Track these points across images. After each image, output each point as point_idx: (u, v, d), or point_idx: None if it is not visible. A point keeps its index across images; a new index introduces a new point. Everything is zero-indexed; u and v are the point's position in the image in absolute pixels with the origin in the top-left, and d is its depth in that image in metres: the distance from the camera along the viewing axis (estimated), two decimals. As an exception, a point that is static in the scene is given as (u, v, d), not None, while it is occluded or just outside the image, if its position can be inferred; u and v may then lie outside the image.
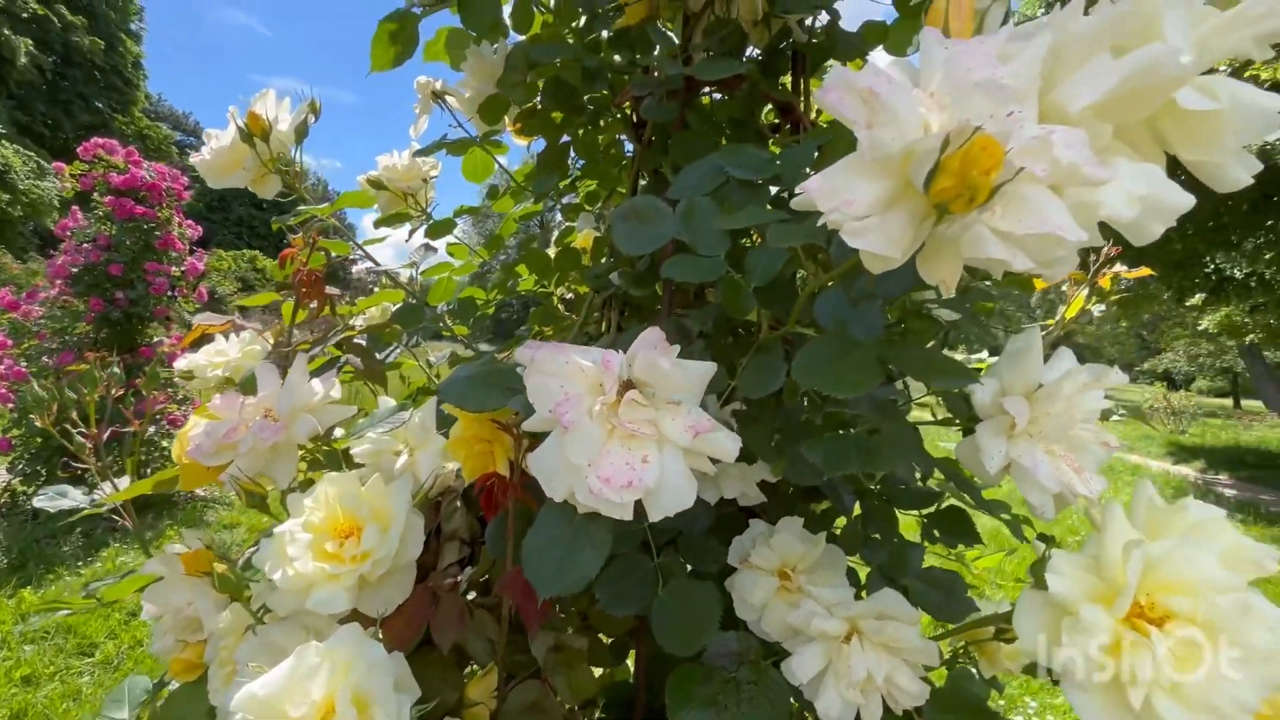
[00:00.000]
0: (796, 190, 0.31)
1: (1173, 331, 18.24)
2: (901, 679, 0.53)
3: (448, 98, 1.03)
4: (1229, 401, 19.94)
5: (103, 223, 4.35)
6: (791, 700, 0.57)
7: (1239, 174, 0.36)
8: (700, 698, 0.55)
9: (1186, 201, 0.32)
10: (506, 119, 0.98)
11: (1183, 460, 8.25)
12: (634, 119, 0.88)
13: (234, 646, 0.55)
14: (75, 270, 4.17)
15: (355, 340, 0.83)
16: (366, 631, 0.49)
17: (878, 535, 0.62)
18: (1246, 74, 5.09)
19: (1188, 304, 7.78)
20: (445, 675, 0.61)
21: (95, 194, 4.34)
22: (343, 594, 0.50)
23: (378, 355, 0.82)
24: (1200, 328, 8.51)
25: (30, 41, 16.16)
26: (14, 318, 4.10)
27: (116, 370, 0.85)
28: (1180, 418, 11.29)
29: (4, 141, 13.03)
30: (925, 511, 0.63)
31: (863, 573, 0.69)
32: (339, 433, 0.71)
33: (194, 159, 0.72)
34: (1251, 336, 7.81)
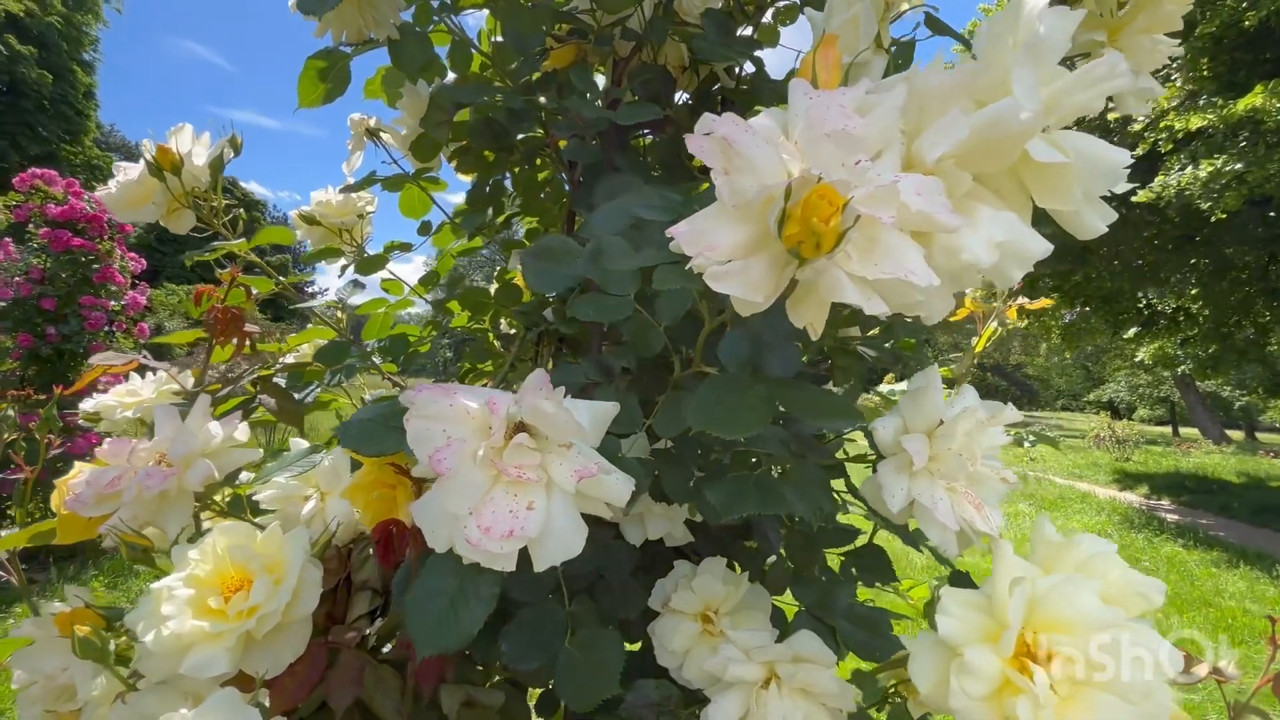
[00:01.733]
0: (667, 234, 0.31)
1: (1114, 363, 19.16)
2: (820, 727, 0.52)
3: (383, 134, 1.03)
4: (1168, 429, 20.91)
5: (37, 255, 4.16)
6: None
7: (1095, 223, 0.37)
8: (614, 754, 0.53)
9: (1043, 248, 0.33)
10: (444, 156, 0.98)
11: (1128, 487, 8.56)
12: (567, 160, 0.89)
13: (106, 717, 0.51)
14: (3, 304, 3.96)
15: (274, 380, 0.80)
16: (250, 695, 0.46)
17: (800, 571, 0.61)
18: (1162, 124, 5.49)
19: (1124, 337, 8.19)
20: (348, 738, 0.58)
21: (31, 226, 4.16)
22: (223, 656, 0.46)
23: (296, 395, 0.79)
24: (1137, 359, 8.95)
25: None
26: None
27: (10, 414, 0.79)
28: (1124, 445, 11.76)
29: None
30: (845, 549, 0.63)
31: (791, 611, 0.68)
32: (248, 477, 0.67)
33: (99, 193, 0.69)
34: (1182, 368, 8.25)
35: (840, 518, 0.73)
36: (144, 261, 4.72)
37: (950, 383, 1.10)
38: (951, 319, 1.10)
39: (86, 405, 0.88)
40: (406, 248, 0.97)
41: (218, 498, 0.65)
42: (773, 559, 0.70)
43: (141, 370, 0.80)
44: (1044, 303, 1.14)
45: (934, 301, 0.36)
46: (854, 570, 0.60)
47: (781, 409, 0.39)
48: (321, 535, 0.56)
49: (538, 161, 0.97)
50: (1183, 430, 20.36)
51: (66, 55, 19.20)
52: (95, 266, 4.24)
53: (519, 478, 0.37)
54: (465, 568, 0.40)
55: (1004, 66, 0.34)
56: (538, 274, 0.52)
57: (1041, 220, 0.39)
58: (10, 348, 3.95)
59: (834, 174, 0.26)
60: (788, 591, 0.67)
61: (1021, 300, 1.08)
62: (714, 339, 0.53)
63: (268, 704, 0.49)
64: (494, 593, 0.38)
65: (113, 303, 4.32)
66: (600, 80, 0.93)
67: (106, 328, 4.27)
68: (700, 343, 0.45)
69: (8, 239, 4.24)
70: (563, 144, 0.88)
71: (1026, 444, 1.04)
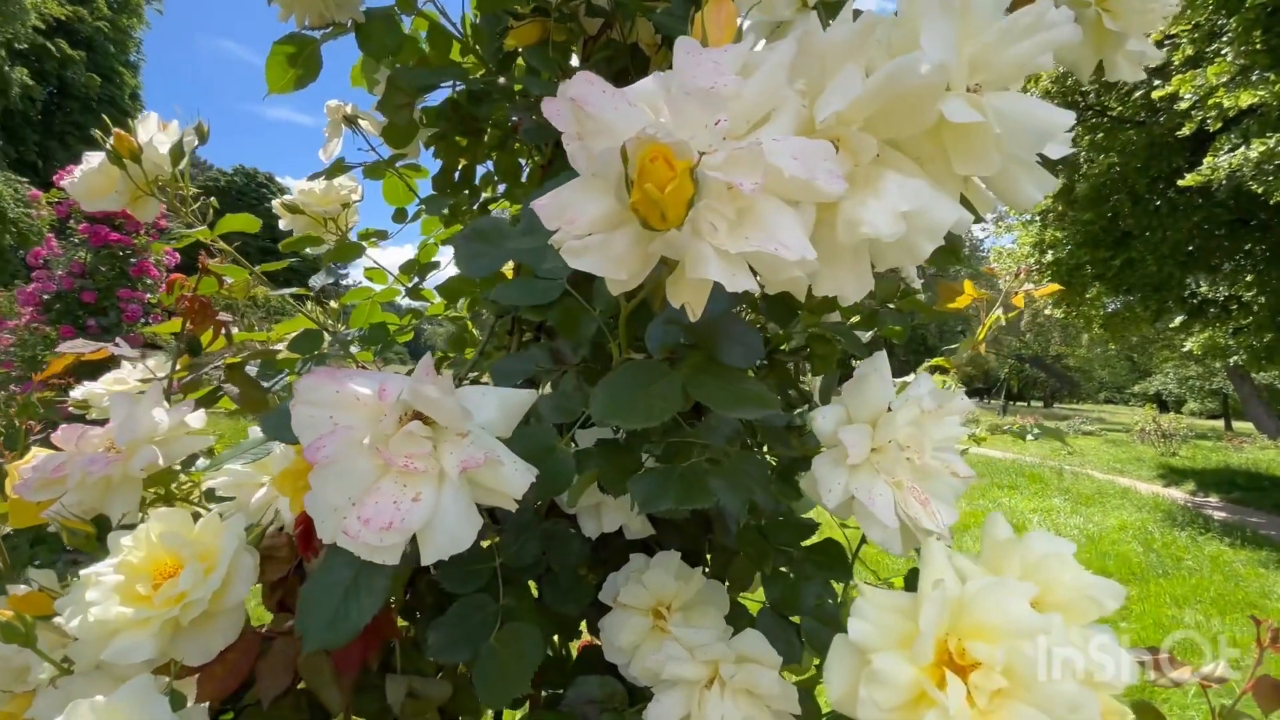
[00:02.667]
0: (531, 207, 0.29)
1: (1161, 354, 18.37)
2: (760, 729, 0.50)
3: (362, 121, 1.02)
4: (1220, 424, 19.98)
5: (78, 250, 4.33)
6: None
7: (1030, 191, 0.34)
8: (548, 750, 0.51)
9: (953, 216, 0.30)
10: (422, 143, 0.97)
11: (1173, 483, 8.21)
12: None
13: (50, 698, 0.51)
14: (47, 297, 4.14)
15: (245, 368, 0.81)
16: (165, 685, 0.46)
17: (756, 566, 0.58)
18: (1211, 101, 5.19)
19: (1170, 326, 7.82)
20: (290, 726, 0.57)
21: (71, 221, 4.33)
22: (147, 642, 0.46)
23: (266, 384, 0.79)
24: (1185, 349, 8.54)
25: (26, 72, 16.36)
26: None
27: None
28: (1171, 440, 11.28)
29: (-4, 170, 13.13)
30: (805, 543, 0.60)
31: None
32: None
33: (64, 182, 0.70)
34: (1235, 358, 7.84)
35: (809, 513, 0.70)
36: (178, 255, 4.88)
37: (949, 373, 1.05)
38: (952, 307, 1.05)
39: (76, 393, 0.90)
40: (383, 235, 0.97)
41: (175, 486, 0.66)
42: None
43: (116, 359, 0.81)
44: (1051, 289, 1.08)
45: (843, 281, 0.33)
46: (808, 566, 0.57)
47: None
48: (257, 523, 0.56)
49: (516, 146, 0.95)
50: (1236, 425, 19.43)
51: (113, 58, 19.93)
52: (132, 260, 4.39)
53: (408, 467, 0.35)
54: (362, 561, 0.38)
55: (915, 16, 0.31)
56: (469, 256, 0.50)
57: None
58: (54, 339, 4.12)
59: (677, 134, 0.24)
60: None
61: (1028, 287, 1.03)
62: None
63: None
64: (386, 585, 0.37)
65: (149, 295, 4.47)
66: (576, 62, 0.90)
67: (143, 319, 4.42)
68: (622, 329, 0.42)
69: (51, 235, 4.43)
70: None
71: (1030, 437, 0.99)
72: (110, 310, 4.26)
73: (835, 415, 0.46)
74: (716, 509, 0.65)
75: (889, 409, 0.46)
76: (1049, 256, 7.61)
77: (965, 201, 0.76)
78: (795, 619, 0.61)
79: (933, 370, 1.07)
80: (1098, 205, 6.93)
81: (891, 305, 0.81)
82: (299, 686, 0.60)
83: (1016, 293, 1.00)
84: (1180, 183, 5.62)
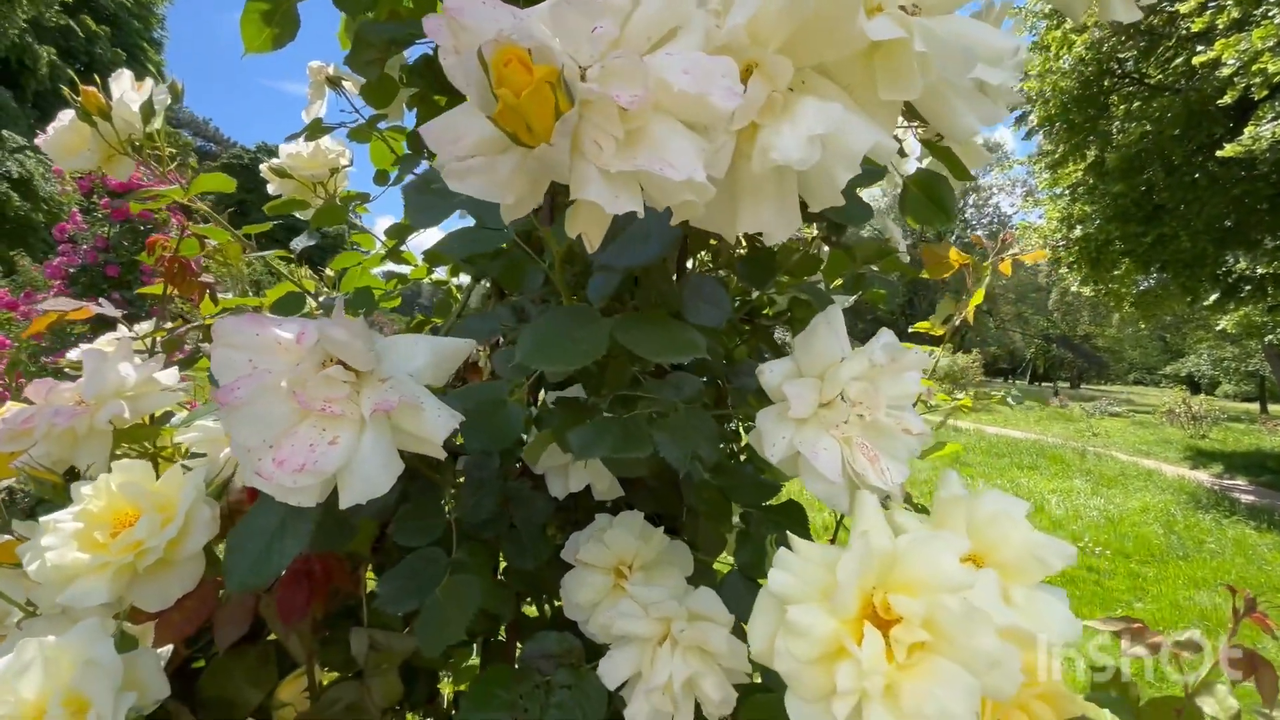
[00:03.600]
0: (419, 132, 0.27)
1: (1195, 334, 17.79)
2: (707, 685, 0.49)
3: (346, 83, 1.01)
4: (1256, 406, 19.38)
5: (101, 225, 4.42)
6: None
7: (967, 120, 0.32)
8: (499, 702, 0.51)
9: (868, 140, 0.28)
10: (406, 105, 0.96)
11: (1200, 465, 8.01)
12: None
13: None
14: (72, 270, 4.24)
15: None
16: (115, 627, 0.46)
17: (715, 526, 0.58)
18: (1254, 67, 4.92)
19: (1203, 304, 7.55)
20: (255, 675, 0.59)
21: (94, 196, 4.41)
22: (102, 587, 0.47)
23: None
24: (1218, 328, 8.25)
25: (54, 50, 16.58)
26: (13, 317, 4.17)
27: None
28: (1201, 422, 10.98)
29: (28, 152, 13.42)
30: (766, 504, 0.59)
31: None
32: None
33: (39, 140, 0.70)
34: (1271, 337, 7.56)
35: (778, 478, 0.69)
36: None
37: (936, 340, 1.03)
38: (938, 273, 1.02)
39: (72, 354, 0.92)
40: (366, 199, 0.96)
41: (159, 445, 0.67)
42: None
43: (104, 319, 0.82)
44: (1039, 254, 1.04)
45: (764, 216, 0.31)
46: (766, 526, 0.56)
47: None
48: (217, 476, 0.56)
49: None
50: (1272, 408, 18.84)
51: (136, 34, 20.09)
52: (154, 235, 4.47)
53: (326, 411, 0.35)
54: (289, 507, 0.38)
55: (839, -74, 0.28)
56: (417, 208, 0.49)
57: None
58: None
59: (538, 36, 0.22)
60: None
61: (1014, 251, 0.99)
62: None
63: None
64: (310, 530, 0.36)
65: (170, 269, 4.55)
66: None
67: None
68: (559, 277, 0.41)
69: (75, 209, 4.52)
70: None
71: (1010, 402, 0.96)
72: (134, 283, 4.35)
73: (783, 369, 0.45)
74: (683, 472, 0.64)
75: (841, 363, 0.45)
76: (1077, 231, 7.36)
77: (954, 160, 0.72)
78: (764, 582, 0.61)
79: (917, 338, 1.04)
80: (1130, 177, 6.66)
81: (874, 268, 0.78)
82: (269, 638, 0.62)
83: (1004, 258, 0.96)
84: (1220, 153, 5.37)
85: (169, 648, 0.57)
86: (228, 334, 0.35)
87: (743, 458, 0.87)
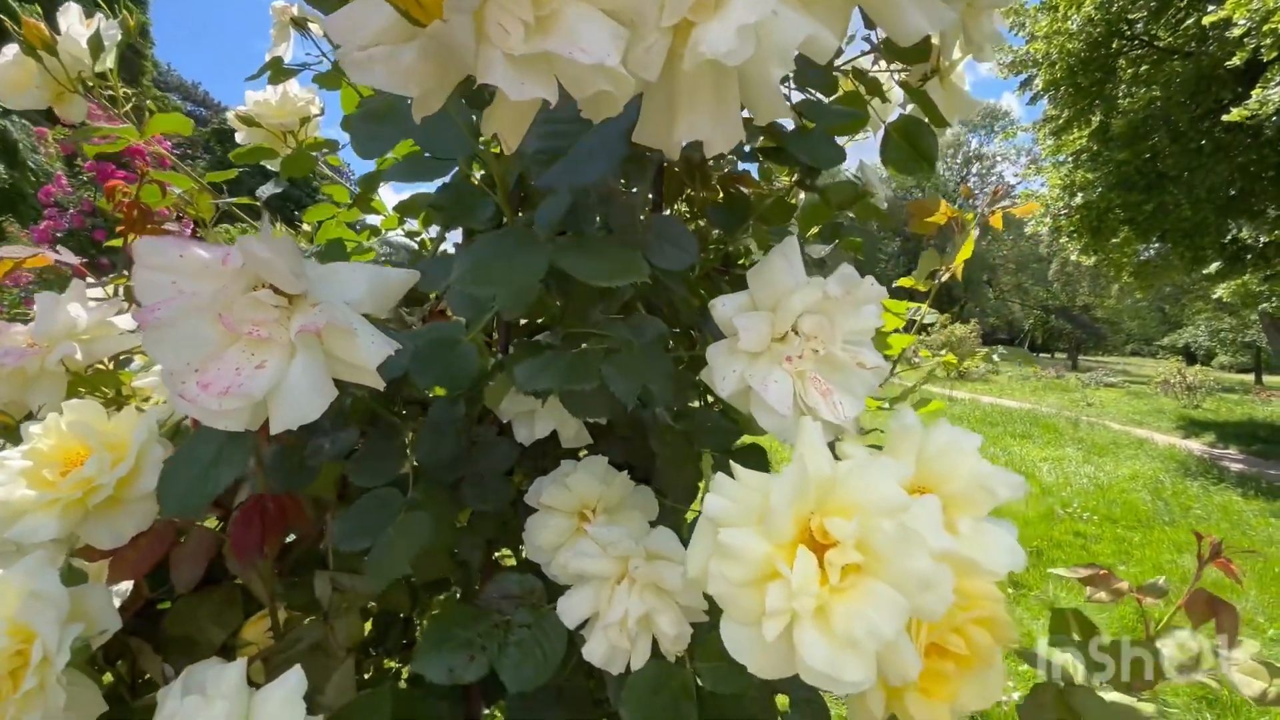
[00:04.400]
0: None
1: (1194, 305, 17.76)
2: (662, 621, 0.50)
3: (312, 25, 0.97)
4: (1251, 377, 19.46)
5: (87, 188, 4.35)
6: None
7: (916, 21, 0.30)
8: (457, 640, 0.52)
9: (801, 32, 0.26)
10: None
11: (1192, 435, 8.07)
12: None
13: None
14: (59, 235, 4.18)
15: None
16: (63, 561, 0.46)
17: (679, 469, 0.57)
18: (1266, 26, 4.80)
19: (1202, 273, 7.50)
20: (220, 615, 0.59)
21: (78, 159, 4.33)
22: (51, 523, 0.47)
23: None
24: (1215, 296, 8.21)
25: (39, 9, 16.10)
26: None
27: None
28: (1195, 393, 11.03)
29: (12, 117, 13.16)
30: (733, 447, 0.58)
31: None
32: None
33: (-18, 75, 0.67)
34: (1265, 305, 7.54)
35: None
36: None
37: (921, 297, 1.01)
38: (925, 228, 1.00)
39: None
40: (334, 146, 0.93)
41: (111, 387, 0.66)
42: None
43: (64, 265, 0.81)
44: (1031, 207, 1.02)
45: (701, 122, 0.30)
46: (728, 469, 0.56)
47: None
48: (171, 417, 0.55)
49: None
50: (1268, 379, 18.92)
51: (119, -8, 19.46)
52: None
53: (253, 335, 0.34)
54: (226, 436, 0.38)
55: None
56: (365, 139, 0.48)
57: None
58: (69, 276, 4.19)
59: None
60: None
61: (1005, 203, 0.97)
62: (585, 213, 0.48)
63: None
64: (245, 458, 0.36)
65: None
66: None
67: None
68: (503, 199, 0.40)
69: (59, 173, 4.44)
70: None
71: (996, 358, 0.95)
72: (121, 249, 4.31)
73: (736, 301, 0.43)
74: (650, 416, 0.64)
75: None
76: (1078, 199, 7.26)
77: (931, 107, 0.70)
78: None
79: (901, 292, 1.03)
80: (1135, 144, 6.55)
81: (850, 215, 0.77)
82: (235, 581, 0.62)
83: (993, 211, 0.94)
84: (1226, 118, 5.27)
85: (127, 586, 0.57)
86: (148, 255, 0.34)
87: (718, 409, 0.86)
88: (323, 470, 0.58)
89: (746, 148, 0.66)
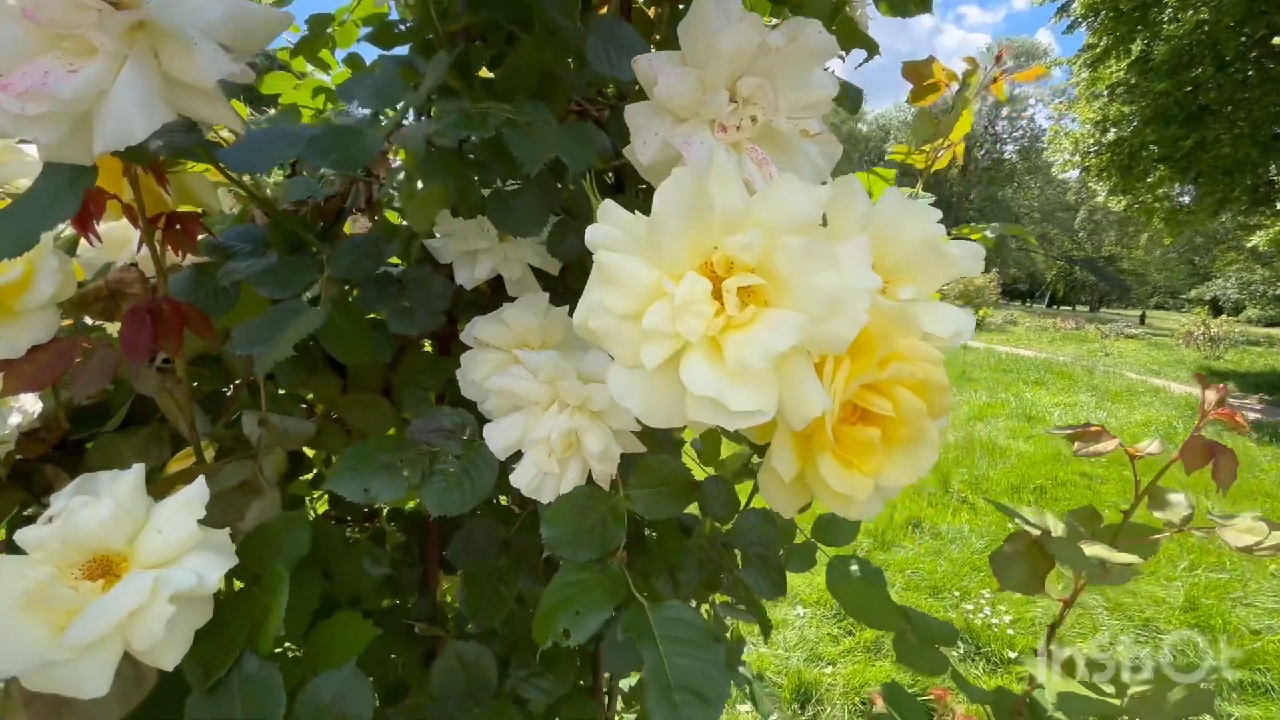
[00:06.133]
0: None
1: (1226, 256, 17.16)
2: (588, 439, 0.46)
3: None
4: (1278, 331, 18.94)
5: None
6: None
7: None
8: (376, 463, 0.49)
9: None
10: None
11: (1211, 384, 7.90)
12: None
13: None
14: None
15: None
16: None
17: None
18: None
19: (1227, 217, 7.17)
20: (145, 451, 0.57)
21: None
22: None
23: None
24: (1250, 245, 7.89)
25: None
26: None
27: None
28: (1218, 344, 10.76)
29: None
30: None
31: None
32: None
33: None
34: (1303, 253, 7.22)
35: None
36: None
37: (913, 175, 0.94)
38: (922, 95, 0.92)
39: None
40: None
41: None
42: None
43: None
44: (1037, 70, 0.93)
45: None
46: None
47: None
48: (65, 229, 0.51)
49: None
50: (1297, 333, 18.39)
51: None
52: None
53: (66, 34, 0.29)
54: (64, 181, 0.33)
55: None
56: None
57: None
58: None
59: None
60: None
61: (1009, 67, 0.88)
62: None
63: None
64: (78, 199, 0.32)
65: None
66: None
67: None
68: None
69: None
70: None
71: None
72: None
73: (664, 57, 0.38)
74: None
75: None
76: (1110, 135, 6.90)
77: None
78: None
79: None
80: (1176, 74, 6.15)
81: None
82: (160, 419, 0.60)
83: (996, 78, 0.86)
84: (1277, 40, 4.91)
85: (35, 410, 0.55)
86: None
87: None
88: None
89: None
